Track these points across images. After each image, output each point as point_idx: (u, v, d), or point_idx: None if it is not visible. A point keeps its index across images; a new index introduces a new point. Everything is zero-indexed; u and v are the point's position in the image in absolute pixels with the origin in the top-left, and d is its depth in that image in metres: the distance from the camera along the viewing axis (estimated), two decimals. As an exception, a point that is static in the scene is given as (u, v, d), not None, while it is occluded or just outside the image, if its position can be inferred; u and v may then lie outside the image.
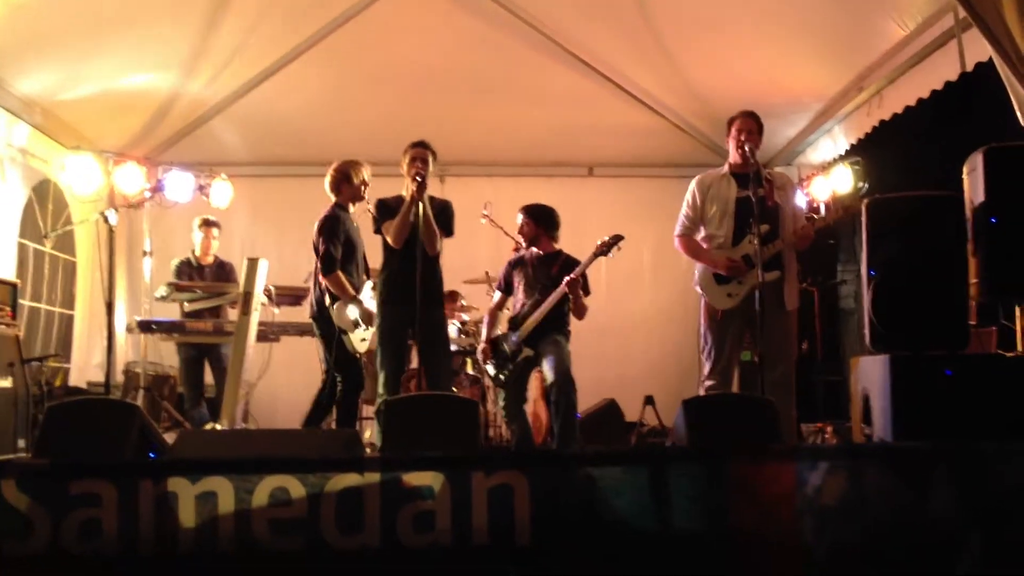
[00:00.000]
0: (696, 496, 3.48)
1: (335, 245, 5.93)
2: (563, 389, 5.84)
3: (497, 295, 6.50)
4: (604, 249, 6.07)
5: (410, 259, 5.59)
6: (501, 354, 6.22)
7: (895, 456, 3.59)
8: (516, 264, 6.39)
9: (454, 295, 7.53)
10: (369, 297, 6.01)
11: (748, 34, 6.82)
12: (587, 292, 6.15)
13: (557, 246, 6.31)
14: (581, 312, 6.13)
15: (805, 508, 3.42)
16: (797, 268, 5.61)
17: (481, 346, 6.36)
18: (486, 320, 6.52)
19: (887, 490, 3.46)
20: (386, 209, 5.88)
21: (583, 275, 6.08)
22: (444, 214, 5.90)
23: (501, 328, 6.39)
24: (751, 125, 5.59)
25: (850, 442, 4.69)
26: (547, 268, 6.20)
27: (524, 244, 6.36)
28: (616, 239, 6.08)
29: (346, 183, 6.10)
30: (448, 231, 5.93)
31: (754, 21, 6.64)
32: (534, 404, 6.75)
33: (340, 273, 5.92)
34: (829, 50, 6.69)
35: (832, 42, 6.57)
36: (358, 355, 5.99)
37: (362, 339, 5.97)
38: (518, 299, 6.29)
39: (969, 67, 5.29)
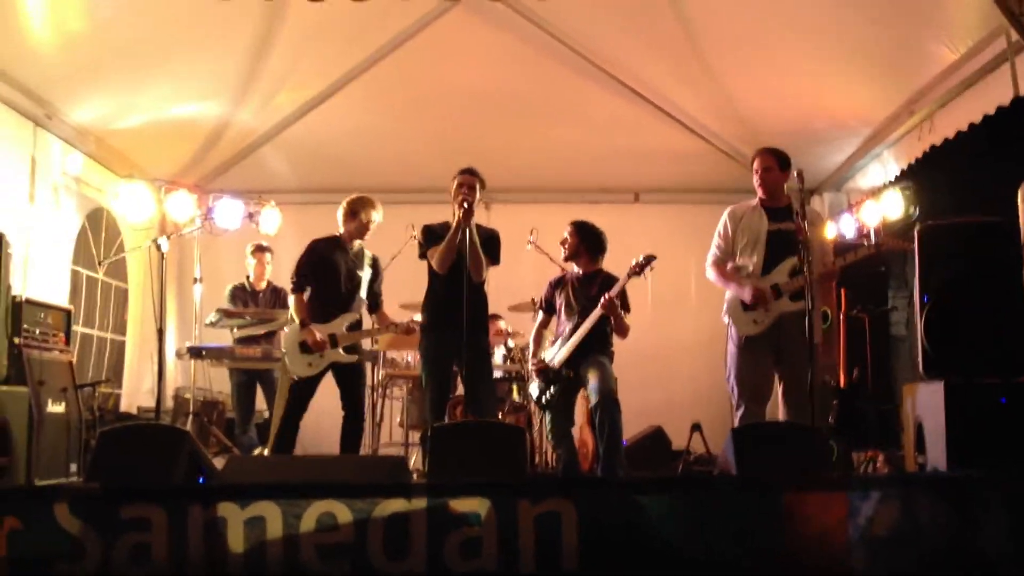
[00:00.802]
0: (745, 525, 3.43)
1: (302, 269, 6.20)
2: (607, 410, 5.78)
3: (540, 316, 6.49)
4: (637, 270, 6.02)
5: (455, 285, 5.62)
6: (545, 376, 6.19)
7: (947, 485, 3.53)
8: (557, 284, 6.38)
9: (495, 318, 7.53)
10: (344, 329, 6.10)
11: (795, 57, 6.78)
12: (627, 309, 6.09)
13: (596, 267, 6.26)
14: (623, 331, 6.08)
15: (857, 538, 3.37)
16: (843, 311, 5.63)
17: (533, 364, 6.31)
18: (532, 340, 6.52)
19: (940, 520, 3.39)
20: (432, 235, 5.93)
21: (623, 292, 6.05)
22: (491, 242, 5.93)
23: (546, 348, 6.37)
24: (768, 162, 5.65)
25: (902, 471, 4.61)
26: (587, 288, 6.18)
27: (564, 256, 6.33)
28: (648, 259, 6.02)
29: (351, 219, 6.27)
30: (495, 259, 5.96)
31: (801, 44, 6.60)
32: (580, 430, 6.70)
33: (298, 295, 6.14)
34: (878, 74, 6.62)
35: (881, 65, 6.50)
36: (296, 377, 6.05)
37: (308, 364, 6.03)
38: (560, 320, 6.28)
39: (1023, 91, 5.21)
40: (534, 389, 6.28)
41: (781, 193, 5.53)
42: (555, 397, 6.12)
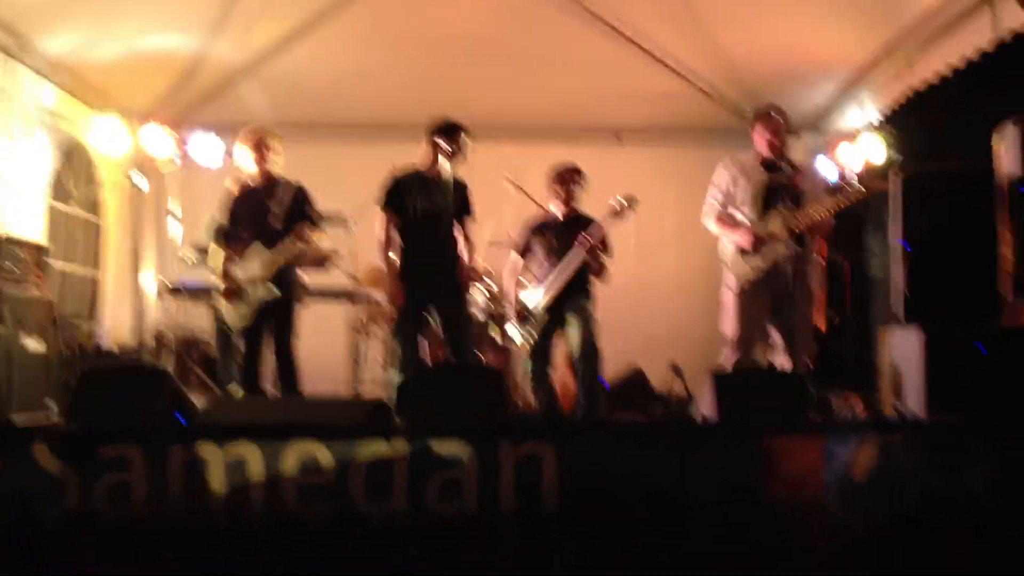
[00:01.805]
0: (725, 470, 3.47)
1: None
2: (589, 361, 5.87)
3: (515, 258, 6.43)
4: (618, 209, 6.03)
5: (426, 232, 5.63)
6: (525, 320, 6.20)
7: (926, 432, 3.58)
8: (536, 230, 6.35)
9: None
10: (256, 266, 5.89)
11: (777, -1, 6.72)
12: (608, 252, 6.10)
13: (577, 210, 6.25)
14: (602, 274, 6.09)
15: (835, 482, 3.41)
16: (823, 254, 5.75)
17: (515, 308, 6.29)
18: (509, 284, 6.45)
19: (917, 466, 3.44)
20: (396, 189, 5.84)
21: (604, 235, 6.04)
22: (462, 196, 5.88)
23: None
24: (778, 126, 5.76)
25: (881, 417, 4.67)
26: (568, 232, 6.14)
27: (563, 201, 6.25)
28: (630, 201, 6.03)
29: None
30: (468, 211, 5.91)
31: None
32: (562, 374, 6.74)
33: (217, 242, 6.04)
34: (858, 16, 6.58)
35: (861, 7, 6.46)
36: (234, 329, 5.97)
37: (240, 315, 5.85)
38: (541, 264, 6.25)
39: (1005, 36, 5.20)
40: (514, 333, 6.27)
41: (783, 150, 5.67)
42: (537, 342, 6.13)
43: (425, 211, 5.76)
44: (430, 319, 5.81)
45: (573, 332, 5.94)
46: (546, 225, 6.32)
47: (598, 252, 5.98)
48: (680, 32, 7.49)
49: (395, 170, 5.92)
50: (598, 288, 6.19)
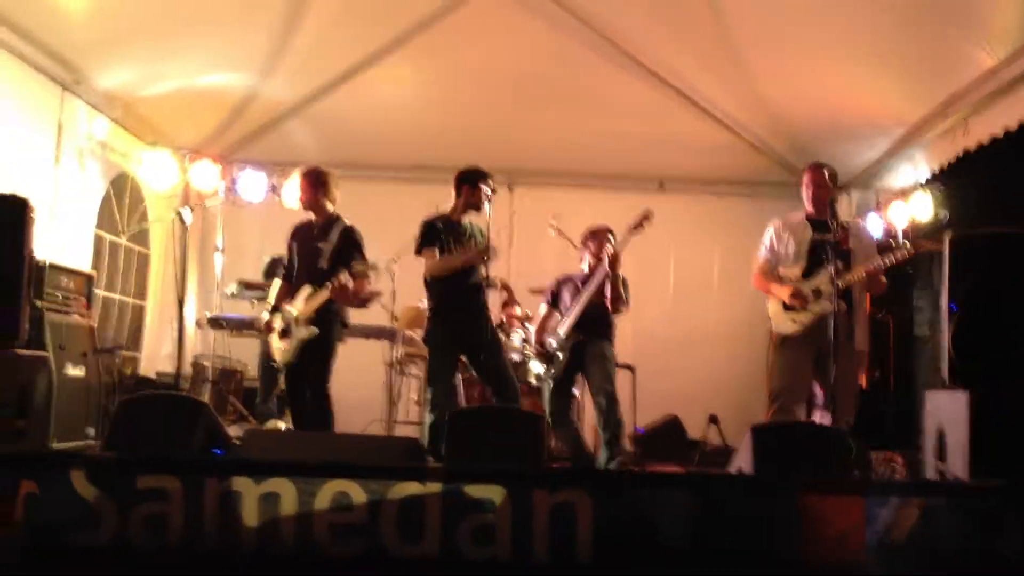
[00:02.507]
0: (760, 526, 3.42)
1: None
2: (609, 409, 5.98)
3: (545, 308, 6.58)
4: (636, 224, 6.15)
5: (462, 280, 5.72)
6: (545, 356, 6.34)
7: (967, 495, 3.51)
8: (565, 281, 6.50)
9: (510, 303, 7.55)
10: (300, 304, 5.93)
11: (828, 53, 6.69)
12: (625, 300, 6.22)
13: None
14: (617, 303, 6.18)
15: (874, 543, 3.35)
16: (868, 310, 5.72)
17: (536, 346, 6.46)
18: (535, 329, 6.63)
19: (958, 529, 3.37)
20: (431, 231, 5.93)
21: (624, 281, 6.19)
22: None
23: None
24: (821, 179, 5.79)
25: (921, 478, 4.59)
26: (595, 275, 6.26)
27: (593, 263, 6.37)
28: (645, 215, 6.15)
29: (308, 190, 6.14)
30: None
31: (835, 39, 6.51)
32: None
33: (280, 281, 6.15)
34: (913, 74, 6.54)
35: (916, 66, 6.42)
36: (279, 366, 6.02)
37: (283, 350, 5.91)
38: (565, 307, 6.38)
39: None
40: (536, 367, 6.43)
41: (827, 206, 5.64)
42: (555, 376, 6.23)
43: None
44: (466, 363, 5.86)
45: (594, 384, 6.09)
46: (575, 278, 6.46)
47: (617, 271, 6.10)
48: (727, 83, 7.51)
49: (428, 216, 6.00)
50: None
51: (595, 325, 6.20)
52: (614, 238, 6.34)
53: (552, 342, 6.31)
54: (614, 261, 6.06)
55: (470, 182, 5.91)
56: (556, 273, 6.74)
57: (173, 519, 3.47)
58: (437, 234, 5.87)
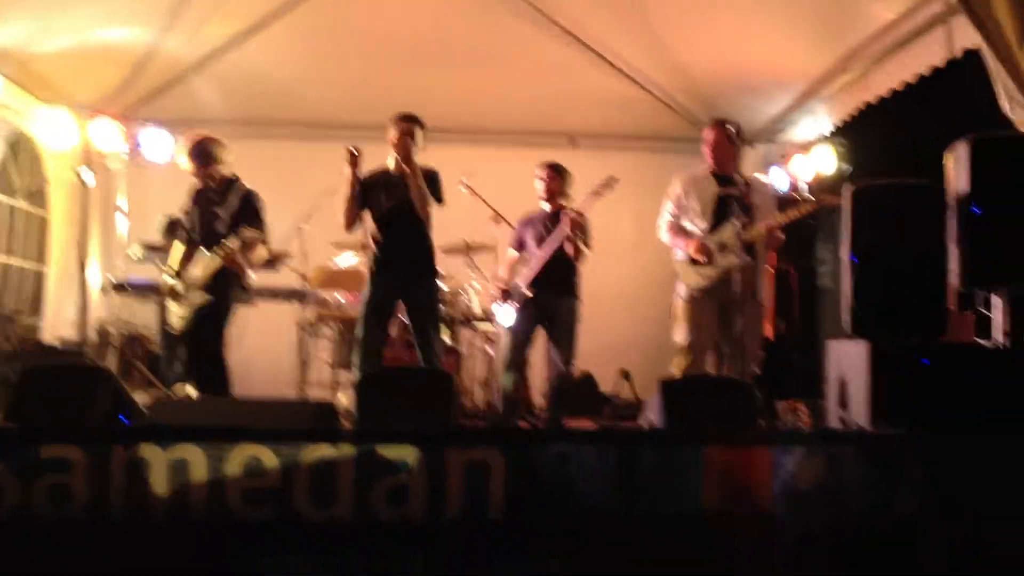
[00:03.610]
0: (669, 478, 3.48)
1: None
2: (562, 387, 6.20)
3: (510, 252, 6.63)
4: (599, 190, 6.22)
5: (396, 226, 5.69)
6: (507, 296, 6.41)
7: (868, 443, 3.62)
8: (527, 223, 6.53)
9: None
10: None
11: (733, 9, 6.75)
12: (587, 237, 6.29)
13: (564, 204, 6.41)
14: (577, 252, 6.23)
15: (780, 492, 3.44)
16: (772, 264, 5.90)
17: (499, 287, 6.51)
18: (504, 271, 6.66)
19: (861, 477, 3.47)
20: (364, 187, 5.93)
21: (585, 225, 6.25)
22: (432, 182, 5.94)
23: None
24: (719, 137, 5.94)
25: (825, 428, 4.73)
26: (557, 222, 6.30)
27: (542, 196, 6.46)
28: (610, 181, 6.22)
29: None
30: (438, 198, 5.97)
31: (740, -3, 6.60)
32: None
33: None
34: (815, 29, 6.65)
35: (818, 21, 6.52)
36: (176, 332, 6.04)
37: (179, 316, 5.96)
38: (532, 253, 6.39)
39: (958, 54, 5.28)
40: (498, 310, 6.49)
41: (730, 162, 5.82)
42: (516, 322, 6.29)
43: (392, 208, 5.87)
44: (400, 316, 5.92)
45: (555, 353, 6.24)
46: (536, 218, 6.50)
47: (577, 230, 6.14)
48: (636, 40, 7.53)
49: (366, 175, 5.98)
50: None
51: (562, 280, 6.28)
52: (565, 175, 6.44)
53: (520, 284, 6.36)
54: (574, 230, 6.11)
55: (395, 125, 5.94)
56: (466, 231, 6.75)
57: (78, 489, 3.39)
58: (367, 186, 5.97)
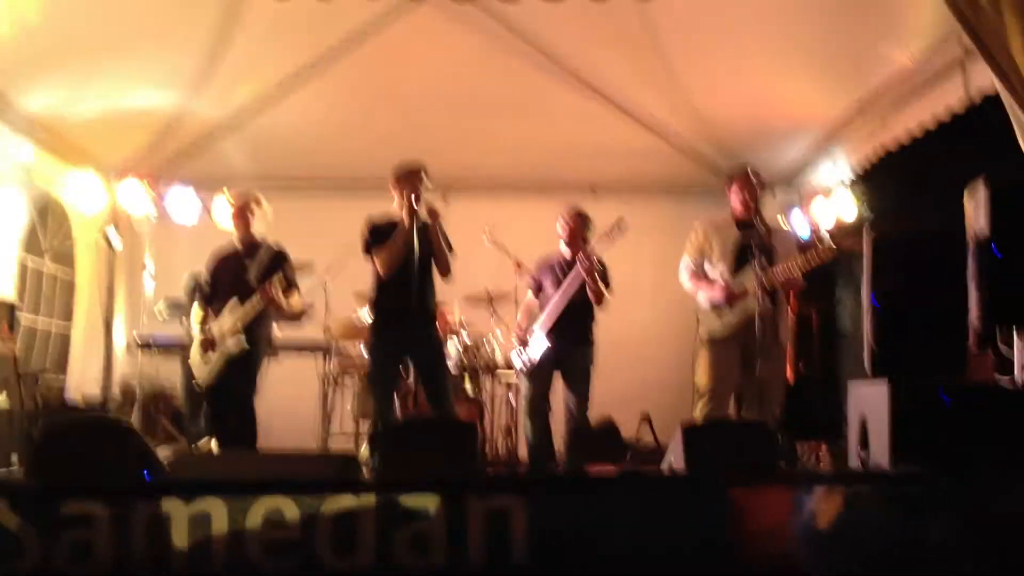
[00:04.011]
0: (694, 522, 3.45)
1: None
2: (579, 435, 6.19)
3: (530, 298, 6.64)
4: (609, 233, 6.29)
5: (403, 280, 5.61)
6: (526, 342, 6.38)
7: (890, 482, 3.58)
8: (545, 268, 6.55)
9: (441, 309, 7.55)
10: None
11: (752, 58, 6.82)
12: (607, 283, 6.30)
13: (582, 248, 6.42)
14: (598, 297, 6.24)
15: (801, 533, 3.40)
16: (792, 307, 5.88)
17: (517, 331, 6.52)
18: (521, 314, 6.68)
19: (881, 516, 3.43)
20: (376, 231, 5.86)
21: (604, 269, 6.28)
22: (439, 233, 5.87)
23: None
24: (745, 182, 5.95)
25: (846, 468, 4.68)
26: (574, 267, 6.31)
27: (564, 240, 6.47)
28: (618, 223, 6.27)
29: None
30: (451, 248, 5.92)
31: (758, 44, 6.65)
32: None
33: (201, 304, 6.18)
34: (833, 75, 6.68)
35: (835, 66, 6.55)
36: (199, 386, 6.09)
37: (204, 364, 5.98)
38: (549, 298, 6.39)
39: (976, 98, 5.26)
40: (516, 359, 6.46)
41: (752, 207, 5.85)
42: (535, 369, 6.28)
43: (399, 259, 5.75)
44: (403, 371, 5.87)
45: (571, 399, 6.26)
46: (555, 264, 6.50)
47: (596, 274, 6.16)
48: (656, 89, 7.59)
49: (370, 217, 5.95)
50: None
51: (579, 327, 6.30)
52: (585, 222, 6.46)
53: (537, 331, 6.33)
54: (592, 276, 6.13)
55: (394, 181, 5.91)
56: (489, 281, 6.78)
57: (100, 545, 3.38)
58: (379, 233, 5.89)
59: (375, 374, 5.86)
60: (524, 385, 6.48)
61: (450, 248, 5.87)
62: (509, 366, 7.22)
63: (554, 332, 6.24)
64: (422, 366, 5.86)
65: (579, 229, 6.44)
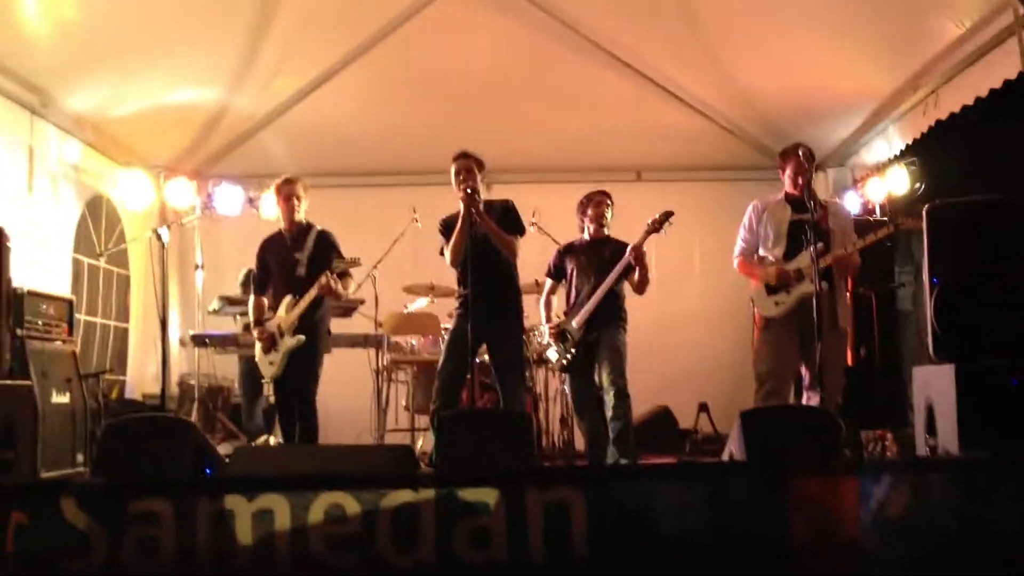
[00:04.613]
0: (755, 511, 3.41)
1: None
2: (619, 406, 5.84)
3: (548, 282, 6.47)
4: (656, 226, 6.10)
5: (476, 269, 5.55)
6: (563, 338, 6.17)
7: (959, 469, 3.51)
8: (566, 251, 6.38)
9: None
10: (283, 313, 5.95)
11: (797, 33, 6.71)
12: (647, 272, 6.10)
13: (606, 234, 6.29)
14: (643, 286, 6.08)
15: (868, 522, 3.34)
16: (849, 288, 5.71)
17: (548, 329, 6.30)
18: (542, 306, 6.48)
19: (951, 504, 3.37)
20: (447, 229, 5.81)
21: (643, 254, 6.04)
22: (509, 215, 5.84)
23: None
24: (797, 160, 5.76)
25: (914, 455, 4.60)
26: (599, 251, 6.18)
27: (597, 224, 6.26)
28: (667, 215, 6.09)
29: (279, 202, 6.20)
30: (519, 230, 5.86)
31: (803, 20, 6.53)
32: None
33: (256, 297, 6.11)
34: (882, 49, 6.55)
35: (885, 41, 6.43)
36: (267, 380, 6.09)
37: (270, 362, 5.95)
38: (572, 285, 6.26)
39: (1030, 65, 5.16)
40: (553, 354, 6.27)
41: (805, 187, 5.62)
42: (577, 359, 6.10)
43: (472, 247, 5.64)
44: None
45: (605, 374, 5.93)
46: (576, 247, 6.35)
47: (645, 258, 6.00)
48: (699, 70, 7.52)
49: (444, 218, 5.92)
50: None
51: (608, 314, 6.07)
52: (608, 202, 6.28)
53: (566, 331, 6.15)
54: (640, 258, 5.96)
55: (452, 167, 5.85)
56: (538, 271, 6.71)
57: (166, 542, 3.43)
58: (449, 229, 5.78)
59: (444, 358, 5.80)
60: (568, 381, 6.33)
61: (519, 231, 5.83)
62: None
63: (589, 322, 6.05)
64: (495, 361, 5.84)
65: (608, 212, 6.26)
